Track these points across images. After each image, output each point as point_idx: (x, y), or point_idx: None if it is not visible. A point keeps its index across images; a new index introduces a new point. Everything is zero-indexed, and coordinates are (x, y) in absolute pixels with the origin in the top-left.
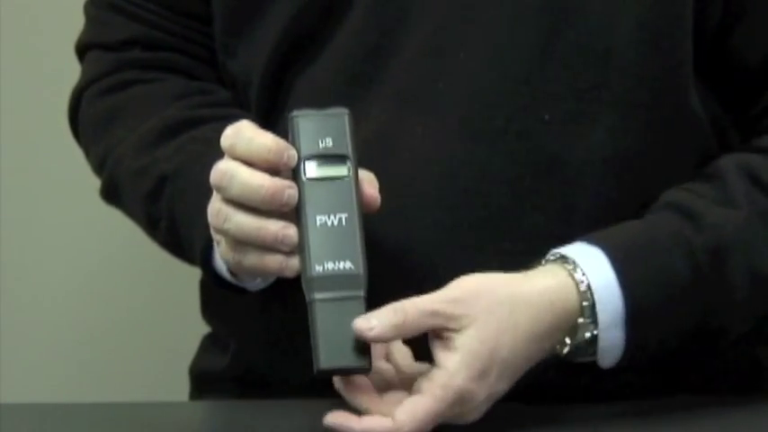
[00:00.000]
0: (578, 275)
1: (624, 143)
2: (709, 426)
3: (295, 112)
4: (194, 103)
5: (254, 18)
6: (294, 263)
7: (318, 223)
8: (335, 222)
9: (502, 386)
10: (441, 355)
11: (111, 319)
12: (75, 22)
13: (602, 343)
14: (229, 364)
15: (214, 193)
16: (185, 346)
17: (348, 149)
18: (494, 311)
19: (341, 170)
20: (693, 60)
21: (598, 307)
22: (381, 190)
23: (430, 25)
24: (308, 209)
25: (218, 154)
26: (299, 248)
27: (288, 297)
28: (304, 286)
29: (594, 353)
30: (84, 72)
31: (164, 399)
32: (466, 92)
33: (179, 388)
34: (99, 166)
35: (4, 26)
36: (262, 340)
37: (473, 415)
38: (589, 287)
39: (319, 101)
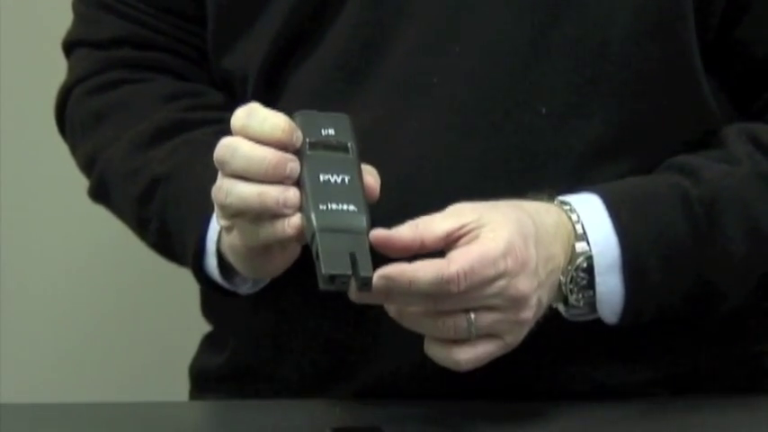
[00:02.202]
0: (573, 216)
1: (622, 135)
2: (710, 426)
3: (299, 111)
4: (186, 106)
5: (251, 14)
6: (296, 219)
7: (322, 179)
8: (338, 180)
9: (542, 271)
10: (474, 233)
11: (110, 319)
12: (68, 20)
13: (600, 287)
14: (227, 361)
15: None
16: (185, 346)
17: (350, 139)
18: (497, 205)
19: (342, 153)
20: (701, 52)
21: (594, 250)
22: (378, 185)
23: (425, 19)
24: (312, 170)
25: (212, 158)
26: (303, 202)
27: (282, 296)
28: (307, 232)
29: (592, 302)
30: (71, 70)
31: (163, 398)
32: (462, 86)
33: (179, 387)
34: (87, 166)
35: (3, 26)
36: (259, 338)
37: (528, 283)
38: (584, 230)
39: (315, 96)
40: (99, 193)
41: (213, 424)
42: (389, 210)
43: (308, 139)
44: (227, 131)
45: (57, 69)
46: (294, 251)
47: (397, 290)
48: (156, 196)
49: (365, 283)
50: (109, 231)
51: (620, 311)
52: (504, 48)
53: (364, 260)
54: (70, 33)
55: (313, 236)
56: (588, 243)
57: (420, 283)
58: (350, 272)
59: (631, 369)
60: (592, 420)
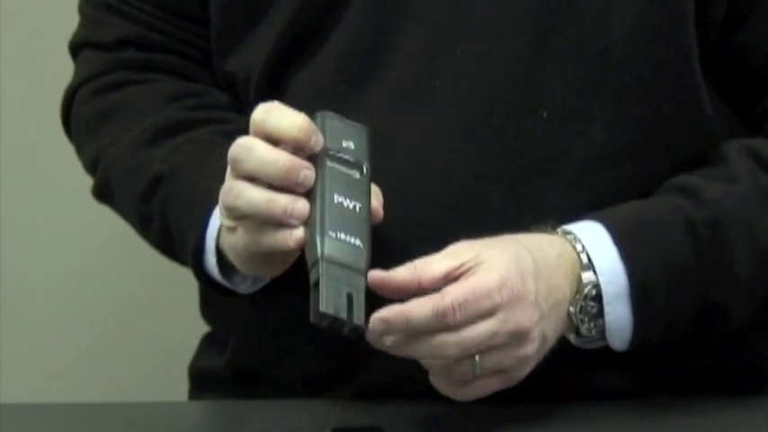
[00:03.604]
0: (578, 246)
1: (623, 139)
2: (710, 426)
3: (322, 112)
4: (190, 105)
5: (254, 16)
6: (299, 233)
7: (336, 200)
8: (350, 206)
9: (544, 304)
10: (472, 270)
11: (110, 319)
12: (74, 22)
13: (609, 317)
14: (227, 361)
15: (227, 173)
16: (185, 346)
17: (365, 158)
18: (495, 241)
19: (357, 172)
20: (701, 57)
21: (601, 279)
22: (379, 188)
23: (427, 23)
24: (327, 186)
25: (215, 157)
26: (312, 220)
27: (283, 297)
28: (309, 251)
29: (603, 330)
30: (77, 71)
31: (163, 399)
32: (464, 90)
33: (178, 388)
34: (91, 165)
35: (3, 26)
36: (259, 338)
37: (527, 316)
38: (590, 259)
39: (317, 98)
40: (102, 191)
41: (213, 424)
42: (390, 212)
43: (329, 149)
44: (230, 131)
45: (61, 71)
46: (294, 253)
47: (395, 330)
48: (158, 194)
49: (355, 331)
50: (109, 232)
51: (629, 339)
52: (505, 51)
53: (359, 306)
54: (76, 35)
55: (316, 263)
56: (595, 272)
57: (417, 320)
58: (345, 316)
59: (632, 373)
60: (592, 421)
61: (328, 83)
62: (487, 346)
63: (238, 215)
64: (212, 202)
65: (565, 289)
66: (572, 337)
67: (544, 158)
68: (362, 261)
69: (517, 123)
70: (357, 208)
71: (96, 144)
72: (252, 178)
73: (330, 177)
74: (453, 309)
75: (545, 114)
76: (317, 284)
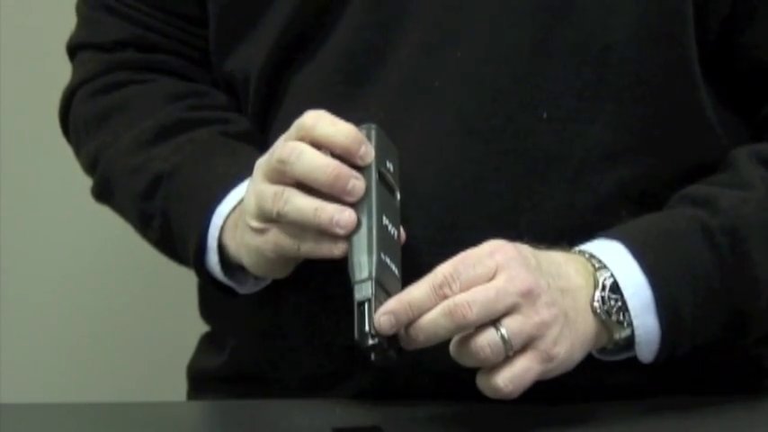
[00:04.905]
0: (597, 265)
1: (623, 140)
2: (710, 426)
3: (368, 124)
4: (191, 105)
5: (252, 17)
6: (344, 243)
7: (384, 222)
8: (392, 232)
9: (549, 278)
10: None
11: (110, 320)
12: (74, 22)
13: (638, 330)
14: (226, 361)
15: (261, 178)
16: (185, 346)
17: (398, 185)
18: (501, 242)
19: (394, 200)
20: (700, 58)
21: (626, 293)
22: None
23: (426, 23)
24: (377, 205)
25: (217, 157)
26: (360, 235)
27: (283, 296)
28: (359, 266)
29: (632, 343)
30: (75, 72)
31: (162, 398)
32: (463, 90)
33: (177, 388)
34: (91, 165)
35: (3, 26)
36: (258, 338)
37: (532, 277)
38: (615, 280)
39: (317, 98)
40: (102, 191)
41: (213, 424)
42: None
43: (380, 168)
44: (231, 131)
45: (59, 72)
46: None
47: (403, 319)
48: (160, 192)
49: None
50: (109, 232)
51: (657, 350)
52: (505, 52)
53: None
54: (74, 36)
55: (365, 281)
56: (618, 287)
57: (419, 300)
58: (385, 342)
59: (632, 372)
60: (592, 420)
61: (328, 83)
62: (502, 308)
63: (282, 220)
64: (214, 201)
65: (578, 281)
66: (594, 351)
67: (544, 159)
68: (398, 291)
69: (517, 124)
70: (395, 235)
71: (96, 143)
72: (300, 182)
73: (379, 196)
74: (447, 280)
75: (545, 115)
76: (361, 303)
